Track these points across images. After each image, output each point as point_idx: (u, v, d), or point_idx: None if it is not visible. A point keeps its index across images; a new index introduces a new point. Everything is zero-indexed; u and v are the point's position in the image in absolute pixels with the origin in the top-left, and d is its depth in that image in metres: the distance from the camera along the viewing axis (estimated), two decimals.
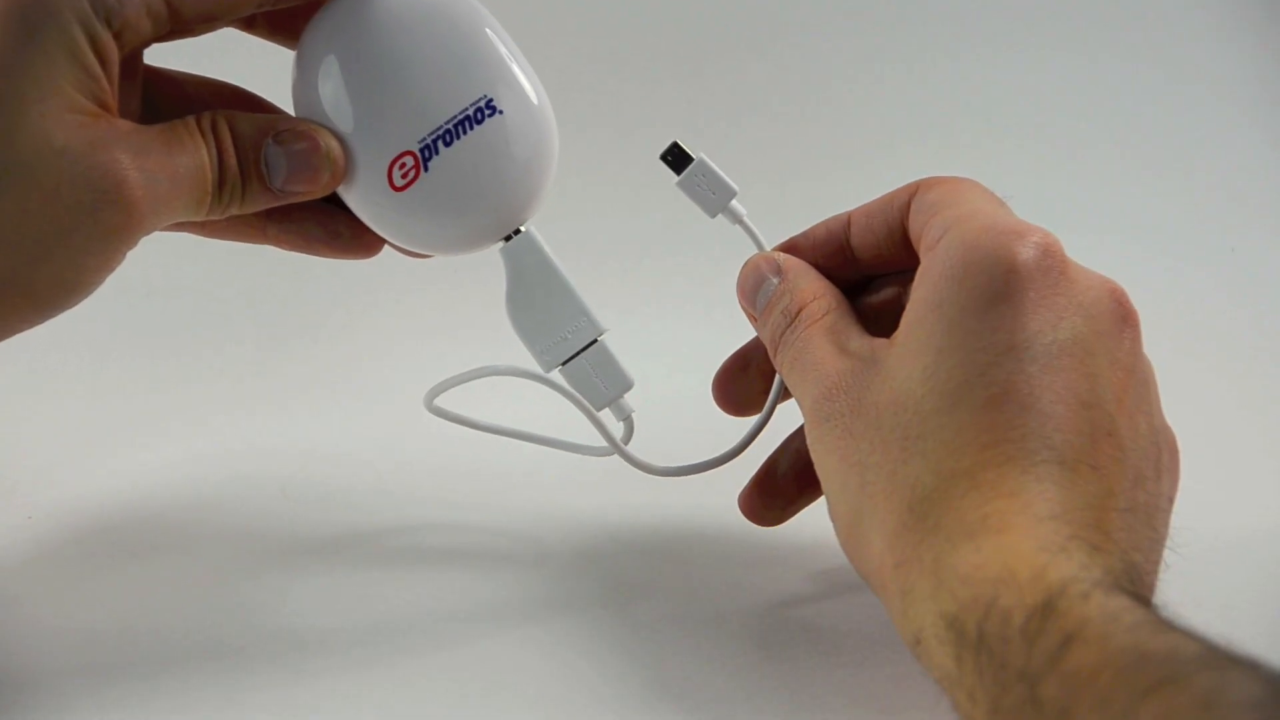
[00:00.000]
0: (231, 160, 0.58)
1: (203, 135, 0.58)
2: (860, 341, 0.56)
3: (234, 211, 0.59)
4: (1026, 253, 0.52)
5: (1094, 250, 0.86)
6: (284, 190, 0.59)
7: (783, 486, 0.62)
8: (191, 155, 0.57)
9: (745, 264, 0.61)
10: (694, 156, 0.61)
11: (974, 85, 0.93)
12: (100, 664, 0.58)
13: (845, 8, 0.94)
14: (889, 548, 0.51)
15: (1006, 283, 0.52)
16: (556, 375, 0.62)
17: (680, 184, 0.62)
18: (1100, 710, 0.42)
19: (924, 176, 0.58)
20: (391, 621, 0.61)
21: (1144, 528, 0.51)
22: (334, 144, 0.59)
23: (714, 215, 0.62)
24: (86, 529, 0.67)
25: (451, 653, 0.59)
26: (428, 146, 0.59)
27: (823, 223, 0.60)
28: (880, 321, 0.57)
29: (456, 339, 0.84)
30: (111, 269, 0.56)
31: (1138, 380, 0.53)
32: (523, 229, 0.61)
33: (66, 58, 0.55)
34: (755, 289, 0.60)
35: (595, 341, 0.62)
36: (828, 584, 0.63)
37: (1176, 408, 0.77)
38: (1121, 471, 0.51)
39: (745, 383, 0.62)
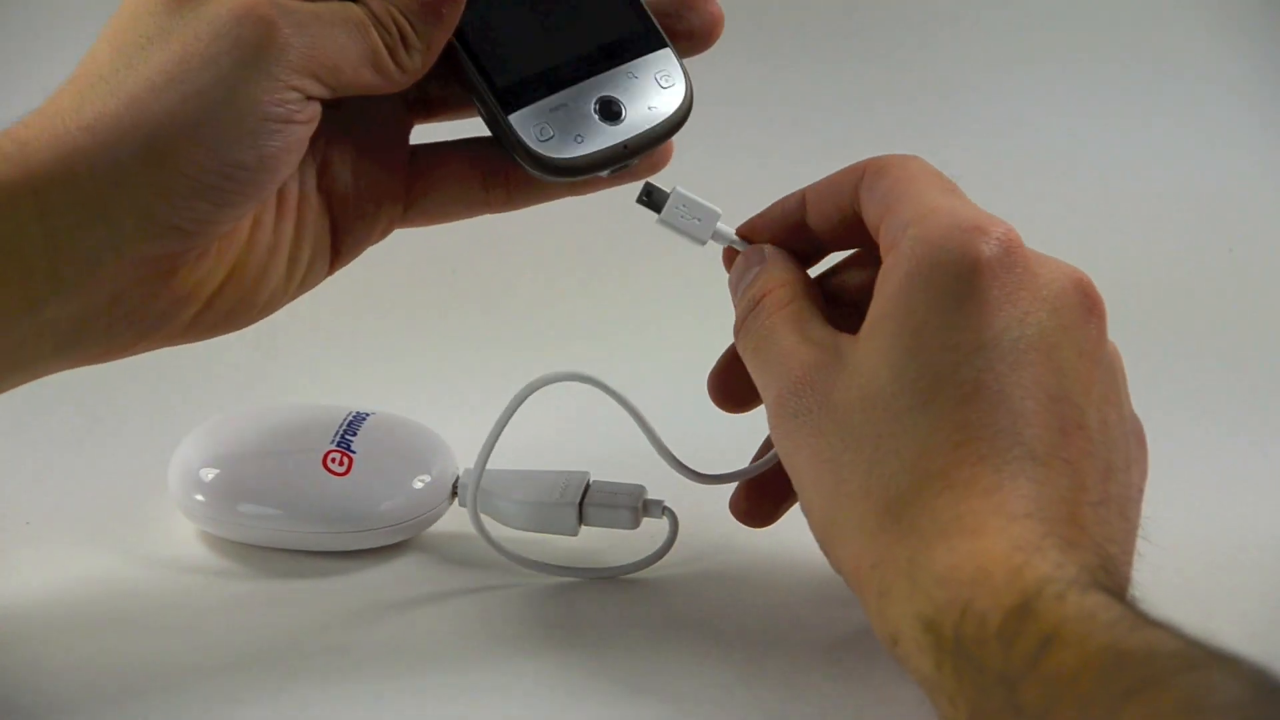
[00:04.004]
0: (378, 2, 0.58)
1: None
2: (823, 332, 0.56)
3: (416, 49, 0.58)
4: (989, 250, 0.52)
5: (1093, 249, 0.86)
6: None
7: (772, 487, 0.62)
8: (339, 4, 0.57)
9: (738, 257, 0.61)
10: (668, 190, 0.61)
11: (972, 85, 0.93)
12: (101, 668, 0.59)
13: (838, 9, 0.94)
14: (865, 548, 0.51)
15: (971, 281, 0.52)
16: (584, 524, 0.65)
17: (662, 220, 0.61)
18: (1081, 714, 0.42)
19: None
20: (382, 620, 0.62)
21: (1117, 519, 0.51)
22: None
23: (704, 242, 0.61)
24: (85, 534, 0.67)
25: (442, 653, 0.59)
26: (341, 440, 0.65)
27: (778, 201, 0.60)
28: (849, 307, 0.57)
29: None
30: (274, 113, 0.55)
31: (1104, 370, 0.53)
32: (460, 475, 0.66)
33: None
34: (739, 280, 0.60)
35: (589, 484, 0.65)
36: (822, 584, 0.63)
37: (1176, 408, 0.77)
38: (1092, 464, 0.51)
39: (742, 378, 0.61)
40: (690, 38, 0.62)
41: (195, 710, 0.56)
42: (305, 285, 0.61)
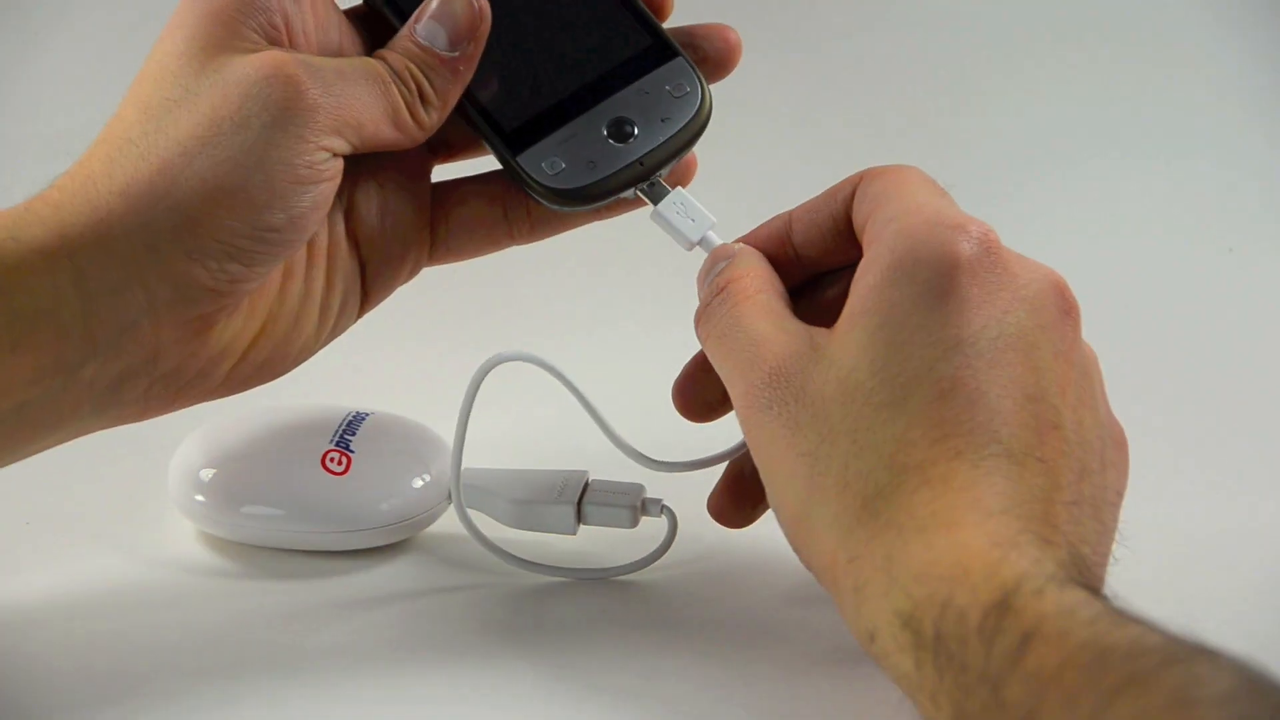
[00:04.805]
0: (396, 59, 0.59)
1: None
2: (794, 323, 0.56)
3: (434, 105, 0.59)
4: (967, 248, 0.53)
5: (1092, 250, 0.86)
6: (457, 48, 0.59)
7: (751, 488, 0.61)
8: (360, 61, 0.59)
9: (708, 254, 0.61)
10: (669, 188, 0.61)
11: (971, 84, 0.93)
12: (100, 669, 0.59)
13: (832, 7, 0.94)
14: (842, 543, 0.51)
15: (951, 278, 0.53)
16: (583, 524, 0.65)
17: (656, 213, 0.61)
18: (1068, 711, 0.42)
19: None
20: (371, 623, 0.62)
21: (1091, 520, 0.51)
22: None
23: (692, 247, 0.61)
24: (85, 534, 0.68)
25: (441, 654, 0.60)
26: (340, 440, 0.65)
27: (764, 225, 0.60)
28: (830, 317, 0.58)
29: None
30: (304, 175, 0.56)
31: (1080, 372, 0.54)
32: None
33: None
34: (706, 274, 0.60)
35: (587, 483, 0.65)
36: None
37: (1175, 408, 0.77)
38: (1067, 464, 0.51)
39: (708, 387, 0.61)
40: (707, 64, 0.62)
41: (194, 710, 0.56)
42: (337, 330, 0.62)
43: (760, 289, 0.57)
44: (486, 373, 0.62)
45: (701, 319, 0.58)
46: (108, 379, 0.56)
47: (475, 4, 0.60)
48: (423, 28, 0.59)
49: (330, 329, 0.62)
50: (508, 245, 0.64)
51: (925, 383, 0.52)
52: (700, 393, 0.61)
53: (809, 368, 0.54)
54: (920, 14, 0.95)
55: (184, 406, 0.60)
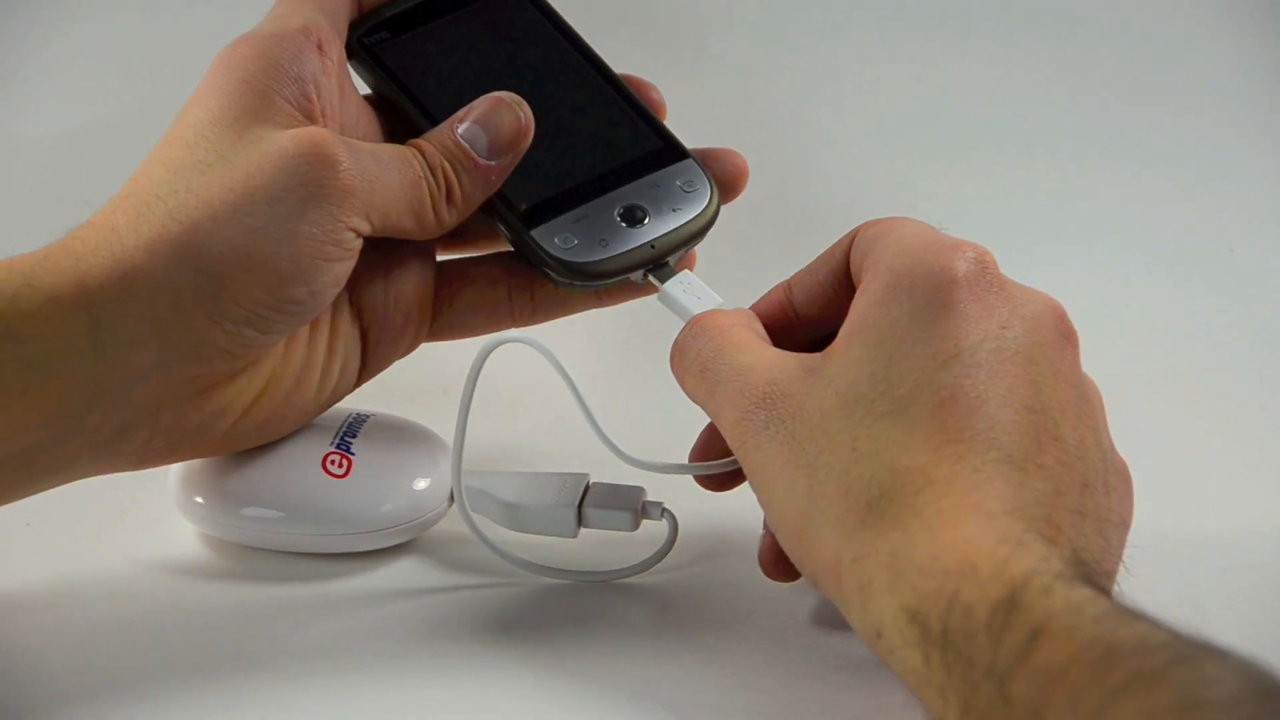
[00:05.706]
0: (433, 152, 0.60)
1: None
2: (776, 351, 0.57)
3: (456, 206, 0.60)
4: (964, 265, 0.54)
5: (1092, 251, 0.87)
6: (494, 157, 0.60)
7: None
8: (395, 149, 0.60)
9: None
10: (676, 271, 0.63)
11: (970, 86, 0.93)
12: (99, 668, 0.59)
13: (829, 9, 0.94)
14: (845, 544, 0.51)
15: (949, 292, 0.53)
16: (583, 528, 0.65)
17: (663, 294, 0.62)
18: (1072, 708, 0.43)
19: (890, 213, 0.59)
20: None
21: (1094, 534, 0.52)
22: (511, 93, 0.61)
23: None
24: (85, 536, 0.68)
25: (442, 656, 0.60)
26: (340, 442, 0.64)
27: (763, 297, 0.61)
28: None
29: None
30: (330, 252, 0.57)
31: (1080, 397, 0.54)
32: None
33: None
34: None
35: (588, 486, 0.65)
36: None
37: (1175, 410, 0.77)
38: (1069, 474, 0.52)
39: (722, 456, 0.61)
40: (717, 186, 0.64)
41: (194, 712, 0.57)
42: (334, 397, 0.64)
43: (735, 324, 0.58)
44: (487, 355, 0.62)
45: (677, 354, 0.59)
46: (110, 428, 0.57)
47: (523, 119, 0.61)
48: (466, 129, 0.60)
49: (329, 395, 0.63)
50: (508, 326, 0.66)
51: (925, 392, 0.52)
52: (717, 458, 0.61)
53: (804, 388, 0.54)
54: (913, 11, 0.95)
55: (180, 460, 0.62)
